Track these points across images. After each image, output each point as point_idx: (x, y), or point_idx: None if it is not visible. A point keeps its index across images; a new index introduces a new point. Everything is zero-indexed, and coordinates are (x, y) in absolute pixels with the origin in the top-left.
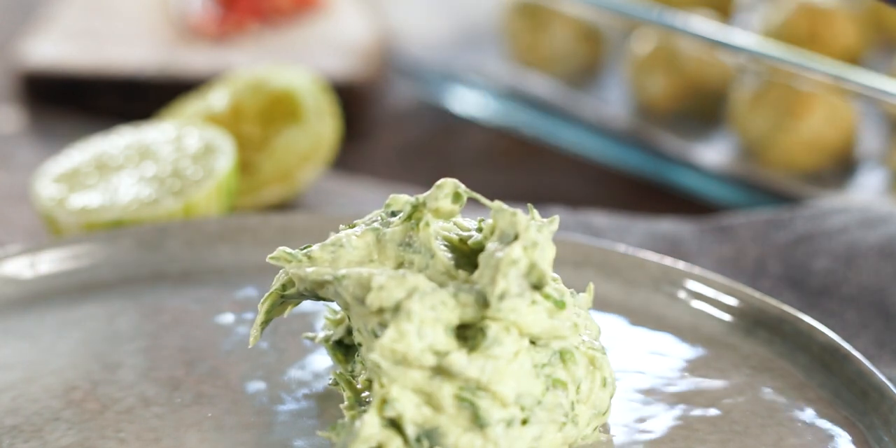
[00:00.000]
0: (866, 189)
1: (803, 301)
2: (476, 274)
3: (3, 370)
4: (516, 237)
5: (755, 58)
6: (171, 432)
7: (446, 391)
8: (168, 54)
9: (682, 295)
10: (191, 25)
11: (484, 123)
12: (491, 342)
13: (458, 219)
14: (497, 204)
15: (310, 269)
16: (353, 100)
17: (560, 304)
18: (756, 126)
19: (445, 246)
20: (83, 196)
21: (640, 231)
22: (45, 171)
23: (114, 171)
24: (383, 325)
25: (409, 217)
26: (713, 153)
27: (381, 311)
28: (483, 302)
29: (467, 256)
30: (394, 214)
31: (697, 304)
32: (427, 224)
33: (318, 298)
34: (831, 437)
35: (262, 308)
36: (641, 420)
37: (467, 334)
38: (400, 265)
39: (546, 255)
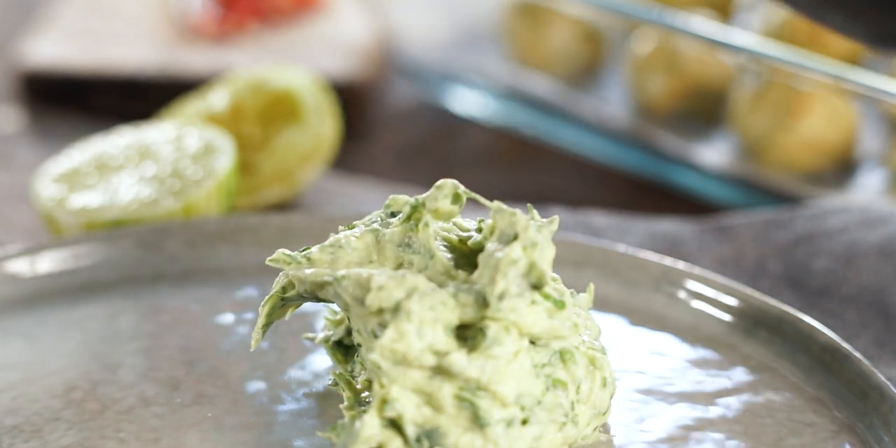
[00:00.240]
0: (866, 189)
1: (803, 301)
2: (476, 274)
3: (3, 370)
4: (516, 237)
5: (755, 58)
6: (171, 432)
7: (446, 391)
8: (168, 54)
9: (682, 295)
10: (191, 25)
11: (484, 123)
12: (491, 342)
13: (458, 219)
14: (496, 204)
15: (309, 271)
16: (353, 100)
17: (560, 304)
18: (756, 126)
19: (445, 246)
20: (83, 196)
21: (640, 231)
22: (45, 171)
23: (114, 171)
24: (383, 326)
25: (409, 218)
26: (713, 153)
27: (380, 311)
28: (483, 302)
29: (467, 257)
30: (393, 215)
31: (697, 304)
32: (426, 225)
33: (319, 300)
34: (831, 437)
35: (263, 311)
36: (641, 420)
37: (467, 334)
38: (399, 266)
39: (546, 255)
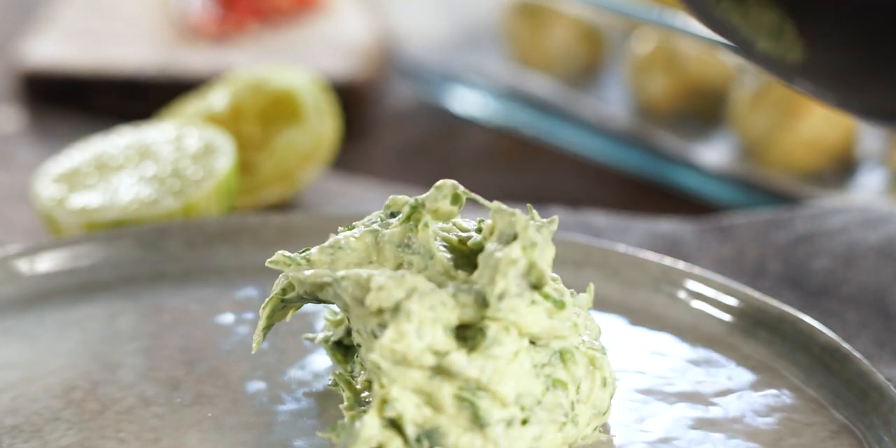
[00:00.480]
0: (866, 189)
1: (803, 301)
2: (475, 274)
3: (3, 370)
4: (515, 237)
5: None
6: (171, 432)
7: (446, 391)
8: (168, 54)
9: (682, 295)
10: (191, 25)
11: (484, 123)
12: (491, 342)
13: (458, 219)
14: (496, 204)
15: (308, 272)
16: (353, 100)
17: (559, 304)
18: (756, 126)
19: (444, 247)
20: (83, 196)
21: (640, 231)
22: (45, 171)
23: (114, 171)
24: (383, 326)
25: (408, 218)
26: (713, 153)
27: (380, 311)
28: (482, 302)
29: (467, 257)
30: (393, 215)
31: (697, 304)
32: (426, 225)
33: (319, 301)
34: (831, 437)
35: (264, 313)
36: (641, 420)
37: (467, 334)
38: (399, 266)
39: (545, 255)
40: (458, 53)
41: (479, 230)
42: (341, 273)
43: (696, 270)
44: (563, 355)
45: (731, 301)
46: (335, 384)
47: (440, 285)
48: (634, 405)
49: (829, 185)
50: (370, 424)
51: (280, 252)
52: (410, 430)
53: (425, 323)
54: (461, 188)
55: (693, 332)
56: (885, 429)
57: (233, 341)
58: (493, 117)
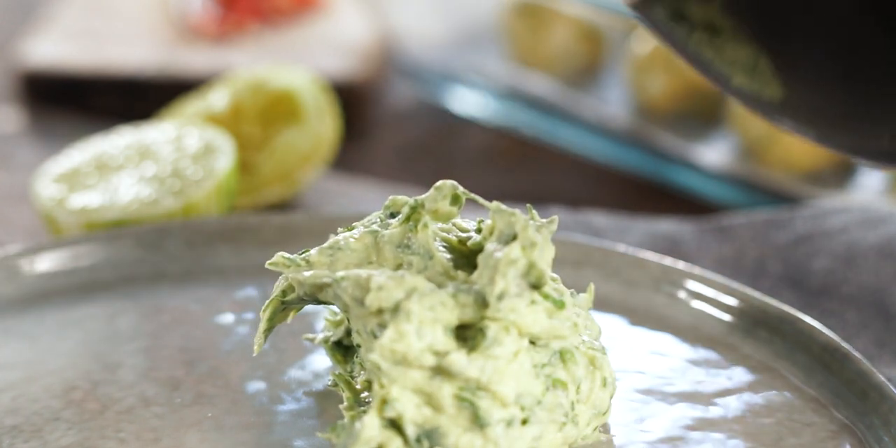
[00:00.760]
0: (866, 189)
1: (803, 301)
2: (475, 274)
3: (3, 370)
4: (515, 237)
5: None
6: (171, 432)
7: (446, 391)
8: (168, 54)
9: (682, 295)
10: (191, 25)
11: (484, 123)
12: (490, 342)
13: (458, 220)
14: (495, 204)
15: (308, 273)
16: (353, 100)
17: (559, 304)
18: (756, 126)
19: (444, 247)
20: (83, 196)
21: (640, 231)
22: (45, 171)
23: (114, 171)
24: (382, 326)
25: (408, 219)
26: (713, 153)
27: (380, 311)
28: (482, 302)
29: (466, 257)
30: (393, 216)
31: (697, 304)
32: (426, 225)
33: (319, 302)
34: (831, 437)
35: (264, 316)
36: (641, 420)
37: (467, 335)
38: (399, 267)
39: (545, 255)
40: (458, 53)
41: (478, 230)
42: (341, 274)
43: (696, 270)
44: (563, 355)
45: (731, 301)
46: (335, 384)
47: (440, 285)
48: (634, 405)
49: (829, 185)
50: (370, 425)
51: (279, 254)
52: (410, 431)
53: (425, 323)
54: (461, 189)
55: (693, 332)
56: (885, 429)
57: (233, 341)
58: (493, 117)
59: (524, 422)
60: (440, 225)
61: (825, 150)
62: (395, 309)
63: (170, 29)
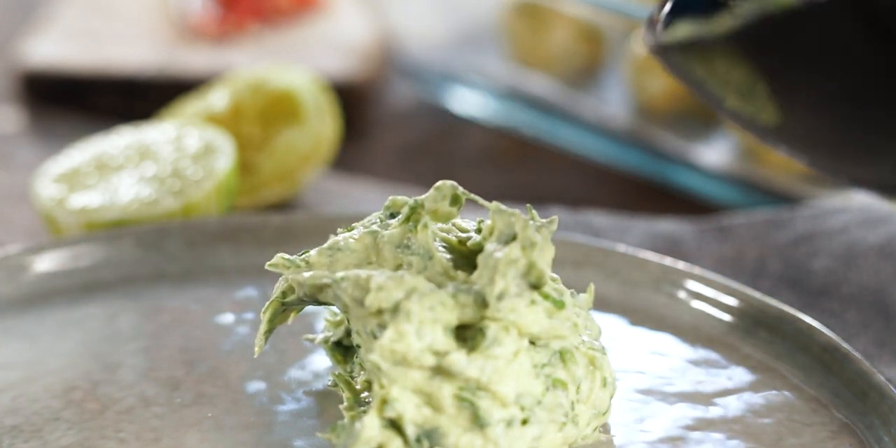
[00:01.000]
0: None
1: (803, 301)
2: (475, 274)
3: (3, 370)
4: (515, 237)
5: None
6: (171, 432)
7: (446, 391)
8: (168, 54)
9: (682, 295)
10: (191, 25)
11: (484, 123)
12: (490, 342)
13: (457, 220)
14: (495, 205)
15: (308, 274)
16: (353, 100)
17: (559, 304)
18: None
19: (444, 247)
20: (83, 196)
21: (640, 231)
22: (45, 171)
23: (114, 171)
24: (382, 327)
25: (408, 219)
26: (713, 153)
27: (379, 312)
28: (482, 302)
29: (466, 257)
30: (392, 216)
31: (697, 304)
32: (425, 226)
33: (319, 303)
34: (831, 437)
35: (265, 317)
36: (641, 420)
37: (467, 335)
38: (398, 267)
39: (545, 255)
40: (458, 53)
41: (478, 231)
42: (340, 274)
43: (696, 270)
44: (563, 355)
45: (731, 301)
46: (335, 384)
47: (440, 286)
48: (634, 405)
49: (829, 185)
50: (370, 425)
51: (279, 255)
52: (410, 431)
53: (425, 323)
54: (460, 189)
55: (693, 332)
56: (885, 429)
57: (233, 341)
58: (493, 117)
59: (524, 422)
60: (440, 225)
61: (823, 176)
62: (395, 309)
63: (170, 29)
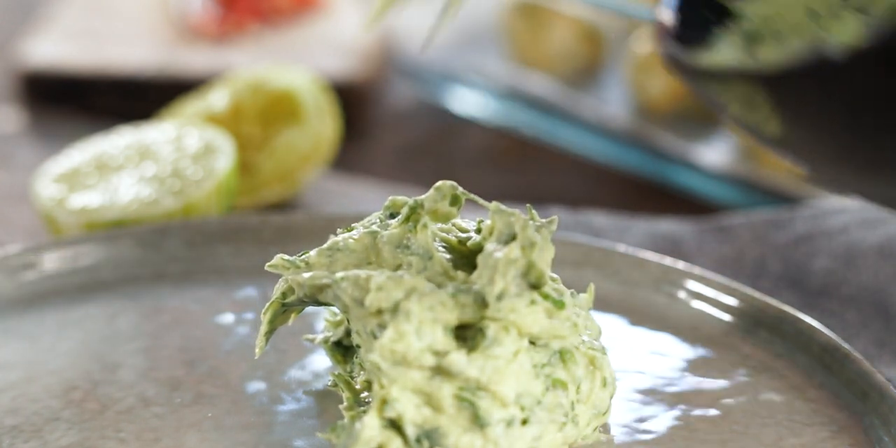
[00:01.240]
0: None
1: (803, 301)
2: (475, 274)
3: (3, 370)
4: (514, 237)
5: None
6: (171, 432)
7: (446, 391)
8: (168, 54)
9: (682, 295)
10: (191, 25)
11: (484, 123)
12: (490, 342)
13: (457, 220)
14: (495, 205)
15: (307, 275)
16: (353, 100)
17: (559, 304)
18: None
19: (444, 247)
20: (83, 196)
21: (640, 231)
22: (45, 171)
23: (114, 171)
24: (382, 327)
25: (407, 219)
26: (713, 153)
27: (379, 312)
28: (482, 302)
29: (466, 258)
30: (392, 217)
31: (697, 304)
32: (425, 226)
33: (319, 304)
34: (831, 437)
35: (265, 318)
36: (641, 420)
37: (466, 335)
38: (398, 267)
39: (544, 255)
40: (458, 53)
41: (478, 231)
42: (340, 274)
43: (696, 270)
44: (562, 355)
45: (731, 301)
46: (335, 385)
47: (439, 286)
48: (634, 405)
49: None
50: (370, 425)
51: (279, 255)
52: (410, 431)
53: (425, 323)
54: (460, 189)
55: (693, 332)
56: (885, 429)
57: (233, 341)
58: (493, 117)
59: (524, 422)
60: (440, 225)
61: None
62: (395, 309)
63: (170, 29)
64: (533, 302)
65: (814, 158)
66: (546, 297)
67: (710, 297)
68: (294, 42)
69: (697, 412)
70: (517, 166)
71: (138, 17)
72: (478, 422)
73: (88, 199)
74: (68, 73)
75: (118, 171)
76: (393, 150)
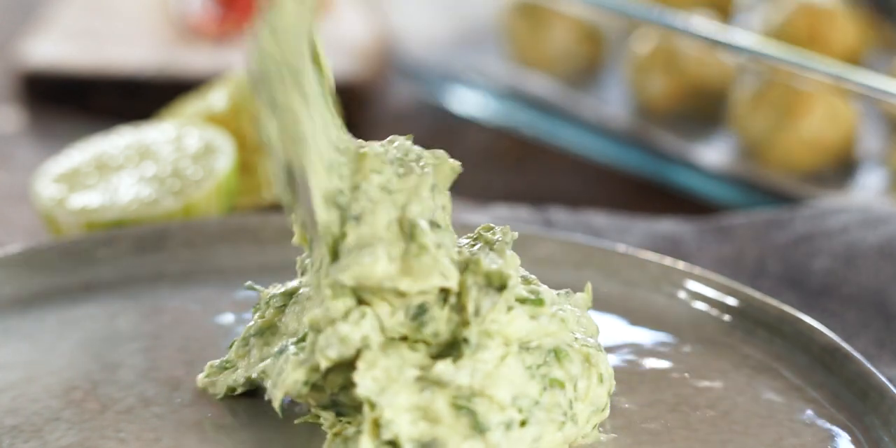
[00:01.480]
0: (866, 189)
1: (803, 301)
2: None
3: (3, 370)
4: (502, 287)
5: (755, 58)
6: (171, 432)
7: (441, 402)
8: (168, 54)
9: (681, 295)
10: (191, 25)
11: (484, 123)
12: (475, 348)
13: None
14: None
15: (239, 373)
16: (353, 100)
17: (538, 302)
18: (756, 126)
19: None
20: (83, 196)
21: (640, 231)
22: (45, 171)
23: (114, 171)
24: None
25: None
26: (713, 153)
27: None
28: (463, 320)
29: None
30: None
31: (697, 304)
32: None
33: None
34: (831, 437)
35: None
36: (641, 420)
37: (451, 344)
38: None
39: (509, 263)
40: (458, 53)
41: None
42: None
43: (696, 270)
44: (557, 354)
45: (731, 301)
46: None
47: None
48: (634, 405)
49: (829, 185)
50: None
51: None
52: (409, 447)
53: (392, 369)
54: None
55: (693, 332)
56: (885, 428)
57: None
58: (493, 117)
59: (523, 423)
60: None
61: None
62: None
63: (170, 29)
64: (510, 308)
65: None
66: (523, 300)
67: (709, 297)
68: None
69: (697, 412)
70: (517, 166)
71: (138, 17)
72: (478, 427)
73: (88, 199)
74: (68, 73)
75: (118, 171)
76: None
